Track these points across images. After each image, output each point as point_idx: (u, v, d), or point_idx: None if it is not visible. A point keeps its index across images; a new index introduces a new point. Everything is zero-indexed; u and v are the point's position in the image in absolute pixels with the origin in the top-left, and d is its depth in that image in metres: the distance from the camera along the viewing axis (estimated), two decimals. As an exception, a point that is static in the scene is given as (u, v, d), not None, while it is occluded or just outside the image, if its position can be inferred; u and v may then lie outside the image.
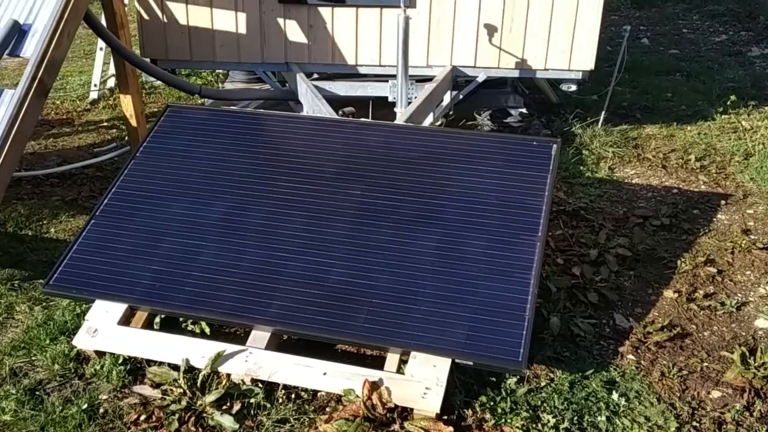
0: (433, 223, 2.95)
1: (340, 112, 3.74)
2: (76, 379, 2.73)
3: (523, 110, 5.42)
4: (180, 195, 3.21)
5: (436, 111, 4.64)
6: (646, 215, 3.99)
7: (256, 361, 2.63)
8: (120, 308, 2.85)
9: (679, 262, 3.52)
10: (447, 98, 4.86)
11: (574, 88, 4.98)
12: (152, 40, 4.69)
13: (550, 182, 3.04)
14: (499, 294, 2.68)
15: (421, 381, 2.50)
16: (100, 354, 2.79)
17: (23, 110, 3.37)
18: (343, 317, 2.68)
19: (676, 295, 3.27)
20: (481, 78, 4.84)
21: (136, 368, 2.76)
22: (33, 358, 2.82)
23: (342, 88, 4.59)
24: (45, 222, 3.97)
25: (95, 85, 6.34)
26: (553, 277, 3.32)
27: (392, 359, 2.61)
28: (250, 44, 4.71)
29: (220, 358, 2.63)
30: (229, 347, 2.68)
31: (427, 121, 4.38)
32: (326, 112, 3.77)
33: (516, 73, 4.84)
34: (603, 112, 5.49)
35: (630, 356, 2.87)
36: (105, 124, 5.70)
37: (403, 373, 2.54)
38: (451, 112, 5.07)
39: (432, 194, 3.05)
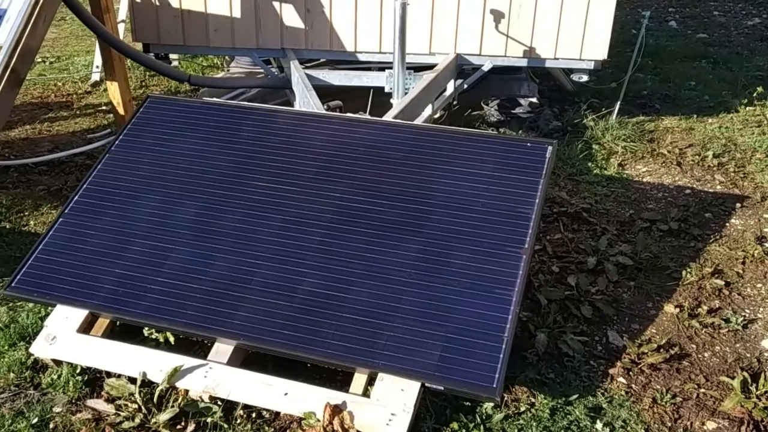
0: (414, 231, 2.75)
1: (326, 106, 3.55)
2: (32, 390, 2.61)
3: (534, 100, 5.16)
4: (153, 193, 3.06)
5: (437, 101, 4.42)
6: (653, 218, 3.75)
7: (215, 377, 2.48)
8: (81, 314, 2.71)
9: (684, 272, 3.29)
10: (450, 87, 4.63)
11: (585, 78, 4.71)
12: (144, 24, 4.53)
13: (543, 188, 2.82)
14: (477, 312, 2.48)
15: (386, 406, 2.32)
16: (58, 363, 2.66)
17: (-6, 100, 3.23)
18: (310, 332, 2.51)
19: (678, 310, 3.04)
20: (486, 67, 4.61)
21: (95, 378, 2.63)
22: (-10, 365, 2.70)
23: (336, 78, 4.39)
24: (26, 214, 3.85)
25: (97, 67, 6.21)
26: (545, 288, 3.11)
27: (359, 380, 2.44)
28: (245, 29, 4.53)
29: (177, 373, 2.48)
30: (189, 361, 2.53)
31: (426, 112, 4.17)
32: (314, 104, 3.57)
33: (524, 62, 4.59)
34: (618, 103, 5.21)
35: (621, 379, 2.66)
36: (104, 108, 5.57)
37: (369, 396, 2.37)
38: (455, 102, 4.84)
39: (415, 199, 2.85)
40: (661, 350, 2.80)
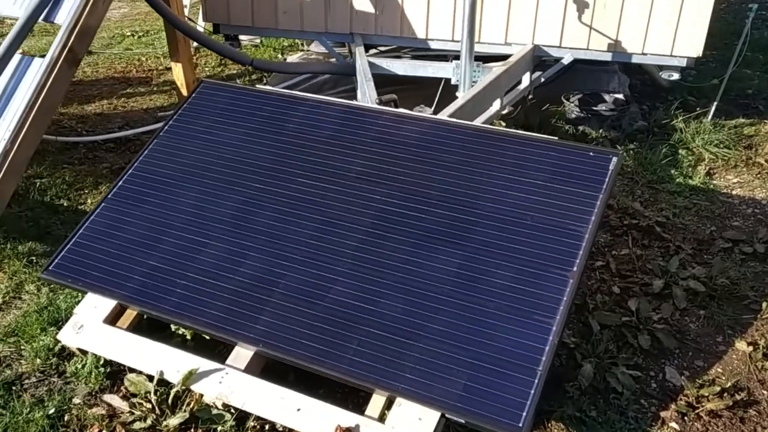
0: (455, 243, 2.55)
1: (377, 100, 3.36)
2: (56, 377, 2.60)
3: (620, 96, 4.78)
4: (195, 183, 2.98)
5: (509, 95, 4.15)
6: (737, 238, 3.37)
7: (230, 383, 2.38)
8: (109, 304, 2.68)
9: (765, 304, 2.93)
10: (525, 81, 4.34)
11: (676, 76, 4.31)
12: (214, 5, 4.47)
13: (601, 204, 2.55)
14: (511, 339, 2.26)
15: (401, 435, 2.16)
16: (84, 352, 2.64)
17: (51, 79, 3.24)
18: (332, 345, 2.36)
19: (751, 348, 2.71)
20: (566, 60, 4.29)
21: (118, 371, 2.59)
22: (21, 348, 2.72)
23: (401, 67, 4.19)
24: (85, 192, 3.89)
25: (179, 43, 6.26)
26: (600, 312, 2.84)
27: (377, 402, 2.28)
28: (314, 12, 4.39)
29: (192, 376, 2.40)
30: (206, 364, 2.44)
31: (493, 107, 3.92)
32: (369, 96, 3.40)
33: (608, 56, 4.24)
34: (715, 102, 4.76)
35: (673, 425, 2.38)
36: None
37: (384, 422, 2.21)
38: (530, 96, 4.54)
39: (461, 207, 2.64)
40: (725, 394, 2.49)
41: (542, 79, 4.39)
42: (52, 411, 2.42)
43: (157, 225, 2.87)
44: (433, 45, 4.38)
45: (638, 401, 2.48)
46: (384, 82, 4.66)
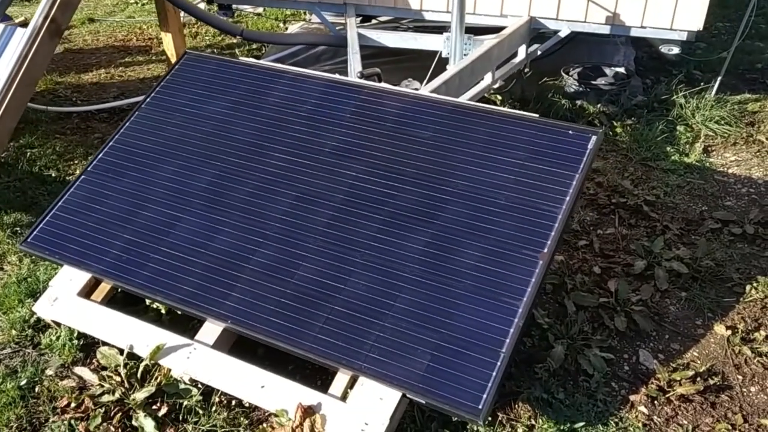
0: (425, 221, 2.52)
1: (358, 74, 3.30)
2: (30, 348, 2.63)
3: (621, 70, 4.67)
4: (173, 157, 2.97)
5: (502, 69, 4.07)
6: (727, 219, 3.31)
7: (197, 359, 2.39)
8: (84, 277, 2.69)
9: (749, 287, 2.88)
10: (521, 53, 4.25)
11: (676, 50, 4.20)
12: (207, -28, 4.41)
13: (577, 185, 2.50)
14: (476, 321, 2.24)
15: (362, 414, 2.15)
16: (58, 324, 2.66)
17: (33, 50, 3.23)
18: (298, 323, 2.36)
19: (730, 332, 2.66)
20: (563, 33, 4.20)
21: (91, 344, 2.61)
22: (-1, 319, 2.75)
23: (390, 39, 4.12)
24: (75, 162, 3.90)
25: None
26: (577, 292, 2.81)
27: (341, 381, 2.27)
28: (307, -19, 4.32)
29: (160, 351, 2.42)
30: (175, 339, 2.45)
31: (484, 81, 3.84)
32: (353, 69, 3.34)
33: (606, 29, 4.14)
34: (719, 77, 4.65)
35: (642, 408, 2.36)
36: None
37: (346, 401, 2.21)
38: (527, 69, 4.45)
39: (434, 185, 2.61)
40: (698, 379, 2.45)
41: (539, 52, 4.30)
42: (24, 382, 2.46)
43: (134, 199, 2.86)
44: (428, 16, 4.30)
45: (609, 384, 2.45)
46: (384, 53, 4.60)
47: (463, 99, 3.55)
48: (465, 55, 3.72)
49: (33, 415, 2.34)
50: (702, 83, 4.71)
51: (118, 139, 3.11)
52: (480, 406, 2.08)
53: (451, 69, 3.40)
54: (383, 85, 3.03)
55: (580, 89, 4.53)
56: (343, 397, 2.23)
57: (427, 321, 2.27)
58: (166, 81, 3.30)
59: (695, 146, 3.99)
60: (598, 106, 4.39)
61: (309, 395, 2.24)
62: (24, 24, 3.41)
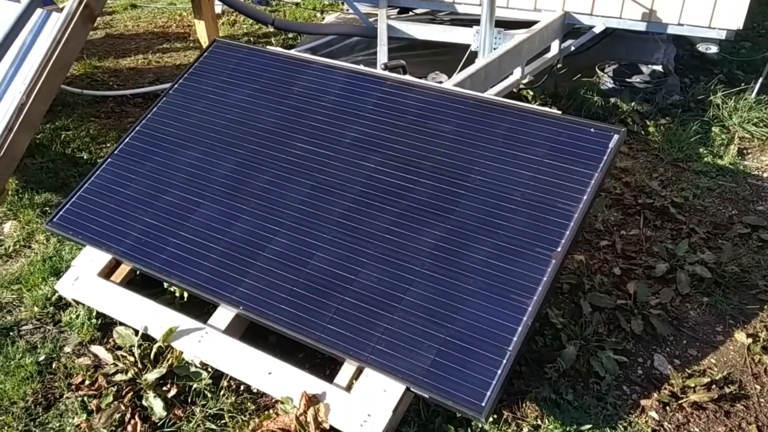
0: (440, 216, 2.50)
1: (382, 66, 3.29)
2: (51, 325, 2.70)
3: (658, 68, 4.57)
4: (197, 143, 3.01)
5: (533, 64, 4.02)
6: (757, 224, 3.22)
7: (208, 343, 2.43)
8: (105, 258, 2.75)
9: (774, 294, 2.80)
10: (554, 48, 4.19)
11: (714, 49, 4.09)
12: (242, -40, 4.44)
13: (595, 184, 2.45)
14: (484, 318, 2.22)
15: (365, 405, 2.16)
16: (78, 303, 2.72)
17: (66, 35, 3.30)
18: (309, 312, 2.38)
19: (751, 340, 2.60)
20: (598, 29, 4.12)
21: (110, 323, 2.67)
22: (23, 296, 2.82)
23: (420, 31, 4.09)
24: (107, 145, 3.98)
25: (219, -1, 6.27)
26: (594, 293, 2.76)
27: (347, 371, 2.28)
28: (341, -29, 4.31)
29: (173, 334, 2.46)
30: (188, 323, 2.49)
31: (513, 77, 3.80)
32: (380, 61, 3.34)
33: (642, 26, 4.05)
34: (761, 78, 4.51)
35: (653, 414, 2.31)
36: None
37: (350, 391, 2.22)
38: (558, 65, 4.38)
39: (451, 179, 2.59)
40: (714, 386, 2.40)
41: (572, 48, 4.23)
42: (42, 358, 2.52)
43: (157, 183, 2.91)
44: (461, 9, 4.27)
45: (620, 387, 2.41)
46: (418, 45, 4.57)
47: (491, 93, 3.53)
48: (494, 49, 3.68)
49: (48, 391, 2.41)
50: (743, 84, 4.57)
51: (145, 124, 3.17)
52: (483, 404, 2.06)
53: (478, 63, 3.36)
54: (407, 77, 3.02)
55: (615, 86, 4.45)
56: (348, 388, 2.24)
57: (436, 316, 2.26)
58: (194, 68, 3.35)
59: (730, 148, 3.88)
60: (632, 104, 4.30)
61: (314, 384, 2.25)
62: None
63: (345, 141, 2.83)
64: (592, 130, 2.61)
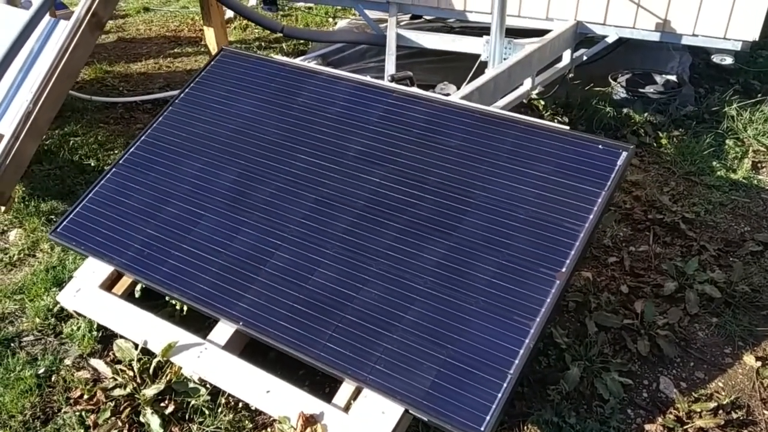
0: (444, 232, 2.47)
1: (389, 77, 3.26)
2: (52, 337, 2.69)
3: (672, 78, 4.51)
4: (201, 154, 2.99)
5: (544, 74, 3.97)
6: (770, 242, 3.15)
7: (207, 359, 2.41)
8: (106, 270, 2.74)
9: (786, 316, 2.74)
10: (566, 58, 4.14)
11: (729, 60, 4.01)
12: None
13: (602, 202, 2.41)
14: (486, 339, 2.19)
15: (362, 427, 2.13)
16: (80, 315, 2.72)
17: (74, 43, 3.29)
18: (308, 330, 2.35)
19: (760, 363, 2.54)
20: (611, 38, 4.06)
21: (111, 335, 2.66)
22: (25, 306, 2.82)
23: (429, 41, 4.06)
24: (115, 152, 3.97)
25: (230, 4, 6.26)
26: (600, 312, 2.71)
27: (345, 391, 2.25)
28: (352, -21, 4.29)
29: (172, 349, 2.44)
30: (187, 338, 2.47)
31: (523, 87, 3.75)
32: (387, 71, 3.31)
33: (656, 36, 3.99)
34: (778, 89, 4.43)
35: (657, 439, 2.27)
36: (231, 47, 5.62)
37: (348, 412, 2.19)
38: (570, 74, 4.33)
39: (456, 195, 2.55)
40: (720, 411, 2.35)
41: (584, 58, 4.17)
42: (42, 371, 2.52)
43: (160, 194, 2.90)
44: (472, 17, 4.22)
45: (624, 411, 2.37)
46: (430, 53, 4.53)
47: (500, 105, 3.48)
48: (504, 59, 3.64)
49: (47, 404, 2.40)
50: (760, 94, 4.50)
51: (150, 133, 3.15)
52: (482, 428, 2.02)
53: (487, 74, 3.32)
54: (413, 89, 2.98)
55: (628, 97, 4.39)
56: (346, 408, 2.21)
57: (436, 336, 2.23)
58: (201, 77, 3.33)
59: (743, 162, 3.81)
60: (645, 115, 4.24)
61: (312, 404, 2.23)
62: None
63: (349, 154, 2.80)
64: (600, 146, 2.56)
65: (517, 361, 2.13)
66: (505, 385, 2.09)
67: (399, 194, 2.62)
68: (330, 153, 2.83)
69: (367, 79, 3.09)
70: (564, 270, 2.28)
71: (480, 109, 2.80)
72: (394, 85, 3.05)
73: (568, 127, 2.65)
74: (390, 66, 3.39)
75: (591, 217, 2.39)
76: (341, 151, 2.82)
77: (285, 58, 3.33)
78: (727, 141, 3.99)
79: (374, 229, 2.54)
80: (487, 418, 2.04)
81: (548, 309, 2.21)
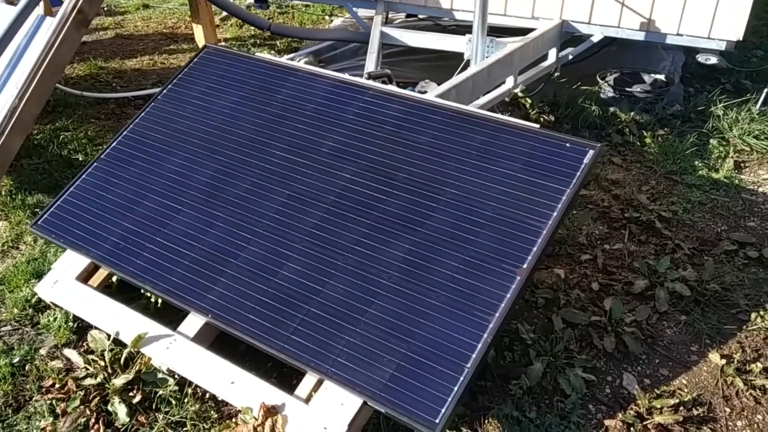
0: (410, 229, 2.50)
1: (365, 75, 3.29)
2: (29, 327, 2.75)
3: (660, 77, 4.51)
4: (180, 149, 3.03)
5: (528, 73, 3.98)
6: (745, 241, 3.16)
7: (175, 350, 2.45)
8: (83, 262, 2.79)
9: (755, 315, 2.75)
10: (552, 57, 4.15)
11: (714, 60, 4.01)
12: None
13: (566, 200, 2.43)
14: (445, 333, 2.22)
15: (322, 418, 2.17)
16: (56, 306, 2.77)
17: (59, 39, 3.35)
18: (274, 322, 2.39)
19: (725, 361, 2.55)
20: (596, 38, 4.08)
21: (86, 326, 2.71)
22: (5, 297, 2.88)
23: (413, 39, 4.08)
24: (103, 147, 4.02)
25: (227, 1, 6.31)
26: (568, 309, 2.74)
27: (308, 383, 2.29)
28: (339, -23, 4.32)
29: (141, 340, 2.49)
30: (157, 329, 2.52)
31: (505, 86, 3.77)
32: (367, 69, 3.34)
33: (640, 36, 4.00)
34: (766, 89, 4.42)
35: (616, 434, 2.29)
36: (223, 44, 5.68)
37: (308, 403, 2.23)
38: (556, 73, 4.34)
39: (424, 192, 2.58)
40: (681, 408, 2.37)
41: (570, 57, 4.19)
42: (17, 360, 2.57)
43: (139, 189, 2.95)
44: (458, 16, 4.25)
45: (585, 406, 2.39)
46: (420, 51, 4.55)
47: (480, 103, 3.51)
48: (488, 57, 3.66)
49: (19, 393, 2.45)
50: (749, 94, 4.49)
51: (132, 128, 3.21)
52: (437, 420, 2.06)
53: (465, 72, 3.35)
54: (389, 87, 3.01)
55: (615, 95, 4.40)
56: (308, 400, 2.24)
57: (397, 330, 2.26)
58: (184, 73, 3.38)
59: (726, 161, 3.82)
60: (632, 114, 4.25)
61: (274, 395, 2.27)
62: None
63: (323, 150, 2.84)
64: (567, 144, 2.59)
65: (474, 355, 2.16)
66: (461, 378, 2.12)
67: (369, 190, 2.65)
68: (304, 149, 2.86)
69: (345, 76, 3.13)
70: (525, 266, 2.31)
71: (452, 106, 2.83)
72: (371, 82, 3.08)
73: (537, 126, 2.68)
74: (370, 64, 3.42)
75: (554, 214, 2.41)
76: (315, 147, 2.86)
77: (266, 56, 3.37)
78: (711, 140, 3.99)
79: (343, 224, 2.58)
80: (442, 410, 2.07)
81: (508, 304, 2.24)
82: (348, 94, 3.01)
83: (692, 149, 3.88)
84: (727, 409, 2.39)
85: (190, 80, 3.33)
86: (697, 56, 4.05)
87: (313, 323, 2.35)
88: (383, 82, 3.22)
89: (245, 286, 2.51)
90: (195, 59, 3.43)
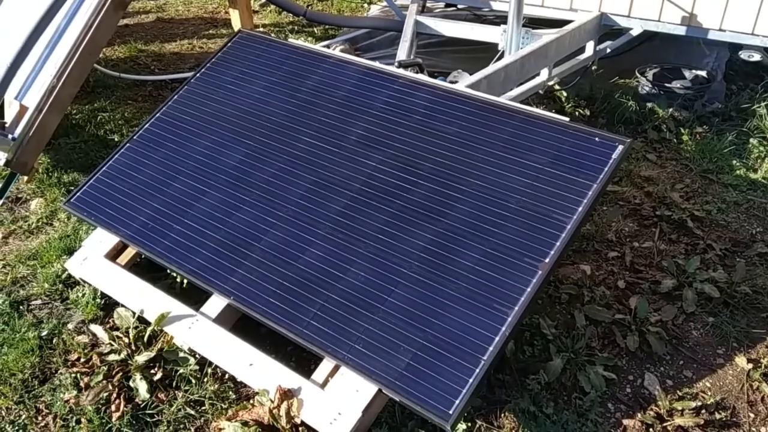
0: (434, 219, 2.49)
1: (396, 63, 3.27)
2: (59, 302, 2.81)
3: (702, 73, 4.40)
4: (210, 132, 3.07)
5: (563, 66, 3.92)
6: (780, 244, 3.08)
7: (197, 330, 2.49)
8: (112, 241, 2.84)
9: (786, 319, 2.68)
10: (589, 50, 4.08)
11: (757, 57, 3.90)
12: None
13: (593, 195, 2.39)
14: (463, 325, 2.21)
15: (337, 403, 2.18)
16: (85, 282, 2.83)
17: (97, 20, 3.40)
18: (295, 307, 2.40)
19: (751, 366, 2.49)
20: (635, 31, 4.00)
21: (113, 303, 2.76)
22: (37, 271, 2.95)
23: (447, 28, 4.04)
24: (138, 129, 4.09)
25: (267, -13, 6.34)
26: (592, 306, 2.70)
27: (325, 368, 2.30)
28: (377, -36, 4.30)
29: (165, 319, 2.53)
30: (181, 309, 2.56)
31: (540, 77, 3.72)
32: (399, 57, 3.32)
33: (681, 30, 3.91)
34: (813, 88, 4.29)
35: (634, 434, 2.26)
36: (260, 30, 5.71)
37: (324, 388, 2.24)
38: (594, 66, 4.27)
39: (449, 182, 2.57)
40: (703, 411, 2.32)
41: (608, 50, 4.11)
42: (45, 333, 2.64)
43: (168, 170, 2.99)
44: (496, 6, 4.20)
45: (605, 404, 2.36)
46: (460, 42, 4.52)
47: (512, 95, 3.47)
48: (521, 48, 3.61)
49: (46, 365, 2.52)
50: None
51: (165, 111, 3.25)
52: (451, 411, 2.05)
53: (498, 64, 3.31)
54: (419, 76, 3.00)
55: (653, 91, 4.30)
56: (323, 385, 2.26)
57: (416, 319, 2.26)
58: (217, 58, 3.41)
59: (766, 161, 3.71)
60: (670, 110, 4.15)
61: (291, 378, 2.29)
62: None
63: (351, 138, 2.84)
64: (596, 139, 2.54)
65: (491, 348, 2.14)
66: (477, 371, 2.11)
67: (394, 179, 2.65)
68: (332, 136, 2.87)
69: (375, 64, 3.12)
70: (547, 261, 2.29)
71: (481, 97, 2.80)
72: (401, 71, 3.07)
73: (567, 119, 2.64)
74: (402, 53, 3.40)
75: (580, 209, 2.38)
76: (343, 134, 2.86)
77: (299, 42, 3.38)
78: (751, 140, 3.88)
79: (367, 212, 2.58)
80: (457, 402, 2.07)
81: (528, 298, 2.22)
82: (378, 82, 3.00)
83: (731, 148, 3.78)
84: (752, 415, 2.34)
85: (222, 65, 3.36)
86: (740, 53, 3.94)
87: (333, 309, 2.36)
88: (414, 71, 3.21)
89: (267, 270, 2.53)
90: (228, 44, 3.46)
